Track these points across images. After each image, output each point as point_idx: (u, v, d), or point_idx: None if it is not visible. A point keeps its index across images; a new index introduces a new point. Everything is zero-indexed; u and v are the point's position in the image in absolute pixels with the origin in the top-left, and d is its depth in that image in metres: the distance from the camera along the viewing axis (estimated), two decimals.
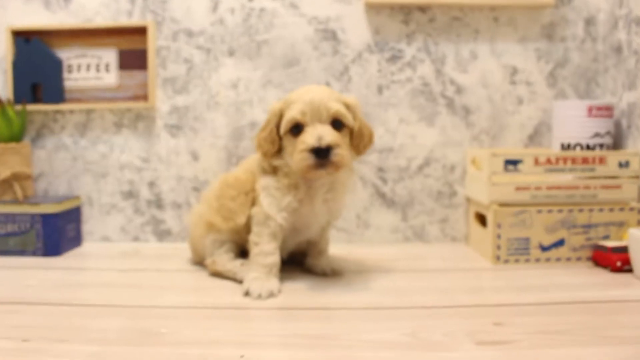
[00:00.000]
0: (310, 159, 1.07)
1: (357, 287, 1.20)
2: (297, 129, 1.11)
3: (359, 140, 1.17)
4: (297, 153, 1.09)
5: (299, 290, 1.18)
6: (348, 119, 1.13)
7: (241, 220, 1.22)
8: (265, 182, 1.18)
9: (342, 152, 1.08)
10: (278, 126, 1.15)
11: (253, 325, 0.99)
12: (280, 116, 1.14)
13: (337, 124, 1.12)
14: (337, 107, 1.11)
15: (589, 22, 1.57)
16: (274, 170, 1.18)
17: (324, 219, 1.24)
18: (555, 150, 1.48)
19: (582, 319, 0.99)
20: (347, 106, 1.14)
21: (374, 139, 1.20)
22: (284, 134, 1.14)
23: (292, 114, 1.10)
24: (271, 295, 1.12)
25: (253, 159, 1.27)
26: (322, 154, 1.07)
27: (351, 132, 1.16)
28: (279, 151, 1.16)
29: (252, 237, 1.19)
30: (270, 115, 1.16)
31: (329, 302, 1.10)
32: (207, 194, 1.35)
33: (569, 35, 1.57)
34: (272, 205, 1.16)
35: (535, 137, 1.59)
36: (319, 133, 1.07)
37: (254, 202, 1.21)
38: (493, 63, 1.57)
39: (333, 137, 1.08)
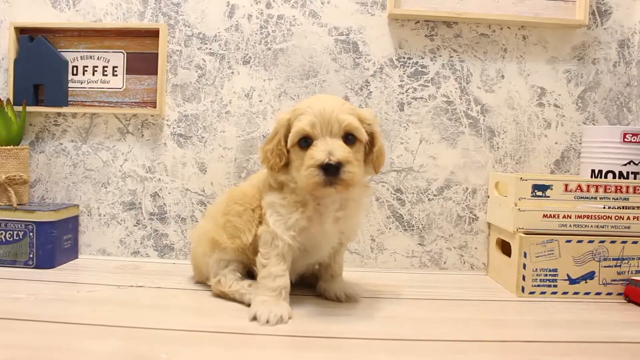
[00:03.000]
0: (318, 176, 0.99)
1: (373, 315, 1.11)
2: (305, 141, 1.03)
3: (376, 157, 1.10)
4: (305, 169, 1.00)
5: (310, 316, 1.09)
6: (361, 133, 1.04)
7: (247, 239, 1.14)
8: (270, 199, 1.10)
9: (353, 170, 1.00)
10: (286, 138, 1.06)
11: (260, 353, 0.91)
12: (289, 127, 1.06)
13: (349, 138, 1.03)
14: (349, 120, 1.02)
15: (623, 44, 1.49)
16: (280, 186, 1.10)
17: (335, 240, 1.15)
18: (584, 177, 1.40)
19: None
20: (361, 119, 1.06)
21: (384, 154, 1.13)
22: (292, 147, 1.05)
23: (301, 126, 1.02)
24: (280, 321, 1.03)
25: (261, 174, 1.19)
26: (331, 171, 0.98)
27: (367, 148, 1.08)
28: (286, 165, 1.08)
29: (259, 259, 1.10)
30: (278, 126, 1.07)
31: (344, 331, 1.01)
32: (212, 209, 1.27)
33: (601, 57, 1.50)
34: (279, 223, 1.07)
35: (562, 163, 1.50)
36: (329, 148, 0.99)
37: (260, 220, 1.13)
38: (520, 83, 1.49)
39: (344, 153, 0.99)
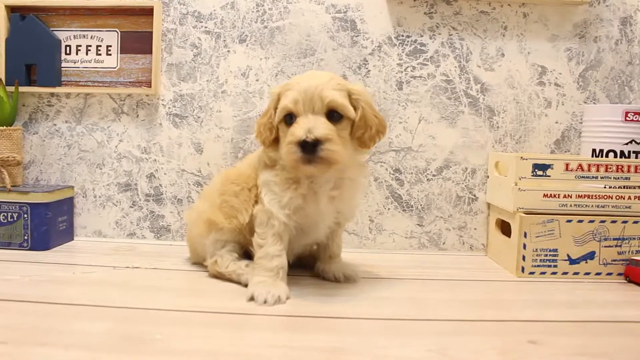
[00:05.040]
0: (296, 153, 0.98)
1: (372, 295, 1.10)
2: (290, 118, 1.02)
3: (363, 132, 1.05)
4: (285, 145, 1.00)
5: (308, 296, 1.08)
6: (347, 109, 1.02)
7: (244, 218, 1.13)
8: (265, 177, 1.08)
9: (333, 148, 0.98)
10: (276, 112, 1.05)
11: (258, 334, 0.89)
12: (278, 102, 1.05)
13: (333, 115, 1.01)
14: (333, 97, 1.00)
15: (625, 21, 1.47)
16: (273, 164, 1.09)
17: (331, 219, 1.14)
18: (585, 156, 1.38)
19: (624, 341, 0.90)
20: (350, 93, 1.04)
21: (385, 131, 1.08)
22: (279, 123, 1.04)
23: (285, 102, 1.01)
24: (278, 301, 1.02)
25: (257, 153, 1.18)
26: (308, 149, 0.97)
27: (353, 123, 1.05)
28: (277, 141, 1.07)
29: (256, 239, 1.09)
30: (270, 101, 1.07)
31: (343, 312, 1.00)
32: (208, 189, 1.26)
33: (603, 35, 1.47)
34: (274, 202, 1.06)
35: (562, 142, 1.49)
36: (309, 125, 0.98)
37: (257, 199, 1.12)
38: (521, 62, 1.47)
39: (324, 131, 0.98)
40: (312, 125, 0.98)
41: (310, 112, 1.00)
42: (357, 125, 1.04)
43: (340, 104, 1.01)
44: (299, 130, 0.98)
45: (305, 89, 1.00)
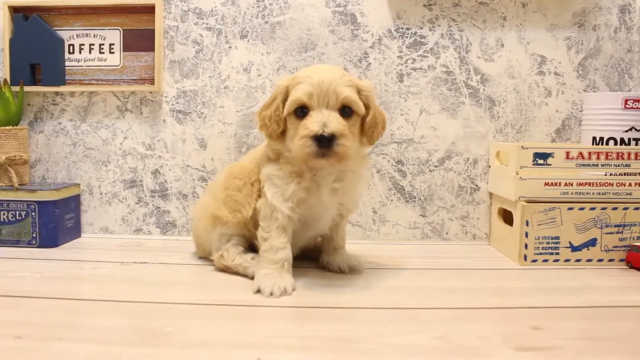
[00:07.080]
0: (311, 147, 0.99)
1: (377, 285, 1.11)
2: (302, 111, 1.03)
3: (373, 129, 1.08)
4: (299, 139, 1.00)
5: (314, 288, 1.09)
6: (358, 106, 1.04)
7: (247, 212, 1.15)
8: (267, 171, 1.09)
9: (346, 143, 0.99)
10: (284, 105, 1.06)
11: (266, 325, 0.91)
12: (286, 94, 1.06)
13: (346, 110, 1.03)
14: (347, 93, 1.02)
15: (624, 9, 1.48)
16: (277, 157, 1.10)
17: (334, 211, 1.15)
18: (585, 144, 1.40)
19: (626, 325, 0.92)
20: (360, 90, 1.06)
21: (386, 125, 1.11)
22: (288, 116, 1.05)
23: (298, 95, 1.02)
24: (284, 292, 1.04)
25: (259, 148, 1.19)
26: (324, 143, 0.98)
27: (362, 120, 1.07)
28: (283, 133, 1.08)
29: (260, 232, 1.10)
30: (276, 92, 1.07)
31: (348, 302, 1.01)
32: (212, 184, 1.28)
33: (602, 23, 1.48)
34: (277, 195, 1.07)
35: (563, 131, 1.50)
36: (324, 120, 0.99)
37: (259, 194, 1.13)
38: (520, 52, 1.48)
39: (339, 126, 0.99)
40: (327, 119, 0.99)
41: (324, 106, 1.01)
42: (368, 123, 1.07)
43: (353, 100, 1.03)
44: (314, 124, 0.99)
45: (319, 83, 1.01)
